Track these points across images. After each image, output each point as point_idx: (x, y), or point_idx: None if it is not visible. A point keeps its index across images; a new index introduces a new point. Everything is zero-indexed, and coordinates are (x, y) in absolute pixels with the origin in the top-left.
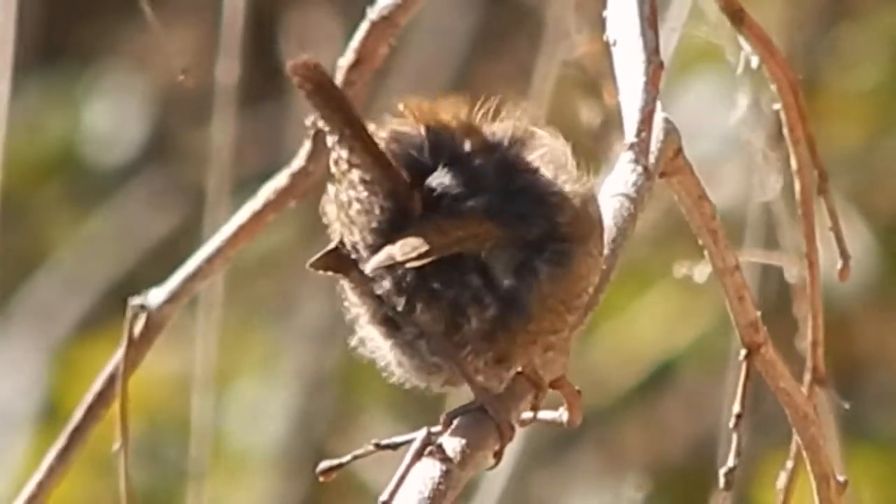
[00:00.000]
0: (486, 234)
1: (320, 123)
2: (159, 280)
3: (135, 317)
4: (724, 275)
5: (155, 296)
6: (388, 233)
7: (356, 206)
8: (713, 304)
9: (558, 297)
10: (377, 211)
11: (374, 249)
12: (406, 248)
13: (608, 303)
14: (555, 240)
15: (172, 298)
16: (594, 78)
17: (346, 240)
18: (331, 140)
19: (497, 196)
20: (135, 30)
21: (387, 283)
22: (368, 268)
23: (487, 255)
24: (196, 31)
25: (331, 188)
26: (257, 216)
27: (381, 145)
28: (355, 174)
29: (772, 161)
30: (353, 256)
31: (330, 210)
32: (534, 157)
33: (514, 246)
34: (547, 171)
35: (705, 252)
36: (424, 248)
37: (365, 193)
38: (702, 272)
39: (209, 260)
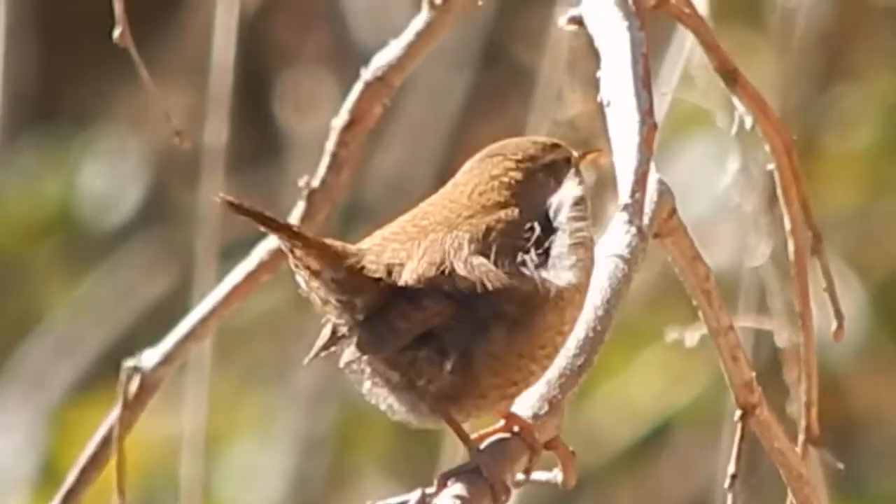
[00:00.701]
0: (442, 312)
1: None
2: (154, 342)
3: (129, 378)
4: (718, 335)
5: (149, 357)
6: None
7: (327, 302)
8: (708, 364)
9: (512, 353)
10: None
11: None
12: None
13: (603, 363)
14: (499, 317)
15: (166, 360)
16: (587, 137)
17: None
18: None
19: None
20: (130, 92)
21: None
22: (341, 363)
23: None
24: (190, 94)
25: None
26: (251, 276)
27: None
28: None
29: (764, 223)
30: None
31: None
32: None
33: (466, 321)
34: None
35: (699, 313)
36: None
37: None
38: (693, 335)
39: (203, 321)
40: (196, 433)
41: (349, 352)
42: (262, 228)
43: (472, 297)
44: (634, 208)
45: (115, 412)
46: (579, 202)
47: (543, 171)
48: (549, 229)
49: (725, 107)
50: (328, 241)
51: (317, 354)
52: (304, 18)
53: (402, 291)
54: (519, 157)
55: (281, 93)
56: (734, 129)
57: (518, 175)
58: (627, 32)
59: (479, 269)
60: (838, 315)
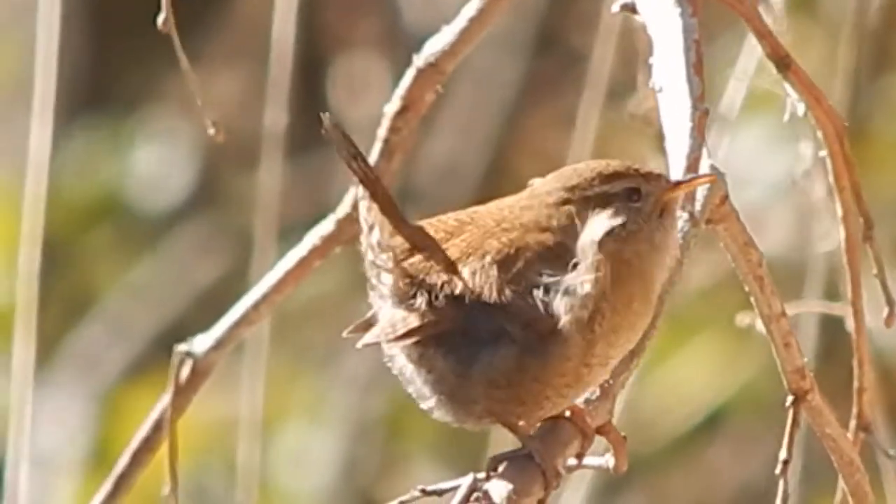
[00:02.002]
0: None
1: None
2: (206, 326)
3: (181, 363)
4: (770, 321)
5: (201, 342)
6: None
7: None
8: (760, 351)
9: (522, 375)
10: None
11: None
12: (388, 329)
13: (656, 350)
14: (504, 335)
15: (218, 345)
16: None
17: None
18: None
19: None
20: (183, 76)
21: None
22: (359, 344)
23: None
24: (244, 77)
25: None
26: (303, 262)
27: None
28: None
29: (822, 209)
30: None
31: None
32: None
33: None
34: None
35: (752, 299)
36: (404, 329)
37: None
38: (745, 319)
39: (255, 306)
40: (252, 417)
41: (370, 334)
42: (349, 165)
43: (479, 307)
44: (686, 194)
45: (166, 397)
46: (605, 242)
47: (597, 201)
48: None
49: (782, 90)
50: (396, 206)
51: (365, 340)
52: (357, 3)
53: (420, 285)
54: (573, 184)
55: (334, 78)
56: (787, 116)
57: (565, 204)
58: (680, 19)
59: (488, 281)
60: (889, 301)
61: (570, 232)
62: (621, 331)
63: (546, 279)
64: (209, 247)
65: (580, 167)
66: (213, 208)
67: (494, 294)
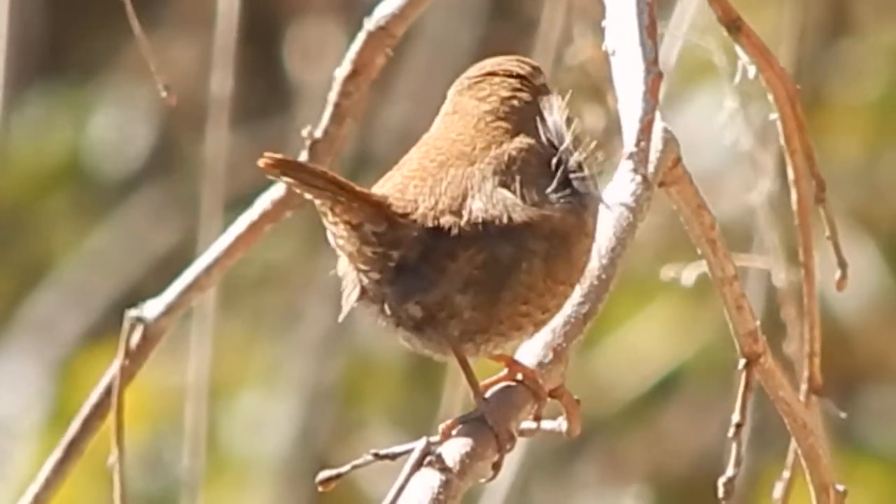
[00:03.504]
0: (474, 258)
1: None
2: (159, 292)
3: (132, 329)
4: (723, 284)
5: (151, 308)
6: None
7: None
8: (716, 314)
9: (550, 282)
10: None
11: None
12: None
13: (609, 313)
14: (533, 252)
15: (169, 310)
16: (597, 83)
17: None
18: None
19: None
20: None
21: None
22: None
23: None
24: (200, 43)
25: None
26: (254, 226)
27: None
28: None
29: (765, 167)
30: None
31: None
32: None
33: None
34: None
35: (704, 262)
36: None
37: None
38: (690, 275)
39: (206, 271)
40: (200, 383)
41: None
42: (305, 188)
43: (503, 234)
44: (639, 157)
45: (116, 362)
46: (572, 122)
47: (543, 91)
48: (557, 153)
49: (729, 58)
50: (367, 191)
51: (349, 310)
52: None
53: (435, 239)
54: (525, 73)
55: (289, 43)
56: (737, 79)
57: (526, 96)
58: None
59: (507, 205)
60: (841, 264)
61: (534, 126)
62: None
63: (551, 181)
64: (165, 213)
65: (502, 63)
66: (168, 175)
67: (517, 216)
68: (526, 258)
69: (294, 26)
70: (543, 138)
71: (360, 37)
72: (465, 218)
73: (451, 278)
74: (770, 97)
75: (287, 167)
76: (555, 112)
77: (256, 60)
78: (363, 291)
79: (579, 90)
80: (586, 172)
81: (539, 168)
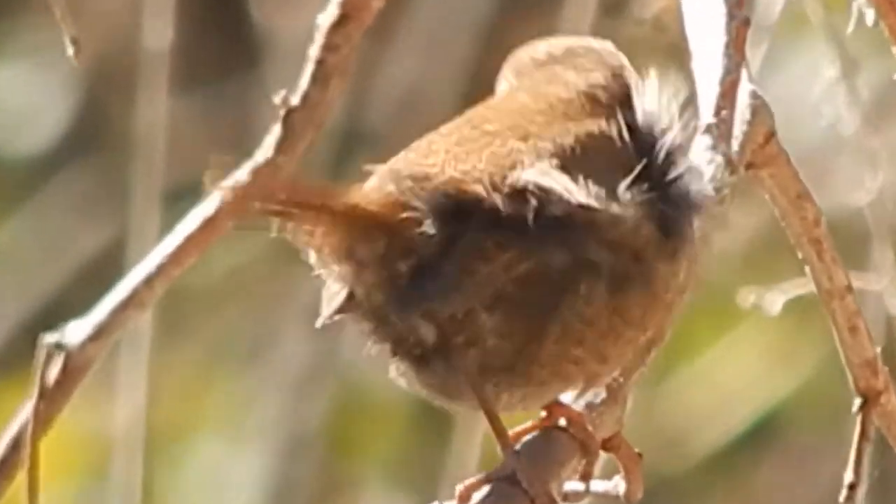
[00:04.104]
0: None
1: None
2: (85, 308)
3: (49, 358)
4: (831, 298)
5: (75, 331)
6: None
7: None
8: (822, 338)
9: (618, 317)
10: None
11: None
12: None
13: (683, 338)
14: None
15: (98, 334)
16: (676, 42)
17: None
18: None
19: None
20: None
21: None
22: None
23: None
24: None
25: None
26: (210, 223)
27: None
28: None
29: (881, 160)
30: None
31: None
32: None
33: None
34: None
35: (806, 269)
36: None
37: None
38: (776, 298)
39: (147, 282)
40: (135, 428)
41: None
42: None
43: (556, 234)
44: (720, 130)
45: (29, 403)
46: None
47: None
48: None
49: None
50: (354, 196)
51: (330, 317)
52: None
53: (461, 223)
54: (618, 68)
55: None
56: (850, 27)
57: (617, 90)
58: None
59: (566, 191)
60: None
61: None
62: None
63: (619, 175)
64: (92, 204)
65: (587, 49)
66: (96, 154)
67: (565, 203)
68: (586, 277)
69: None
70: (626, 133)
71: None
72: (507, 199)
73: (479, 286)
74: (895, 50)
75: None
76: (648, 98)
77: (212, 4)
78: (352, 296)
79: (653, 50)
80: (683, 167)
81: (614, 162)
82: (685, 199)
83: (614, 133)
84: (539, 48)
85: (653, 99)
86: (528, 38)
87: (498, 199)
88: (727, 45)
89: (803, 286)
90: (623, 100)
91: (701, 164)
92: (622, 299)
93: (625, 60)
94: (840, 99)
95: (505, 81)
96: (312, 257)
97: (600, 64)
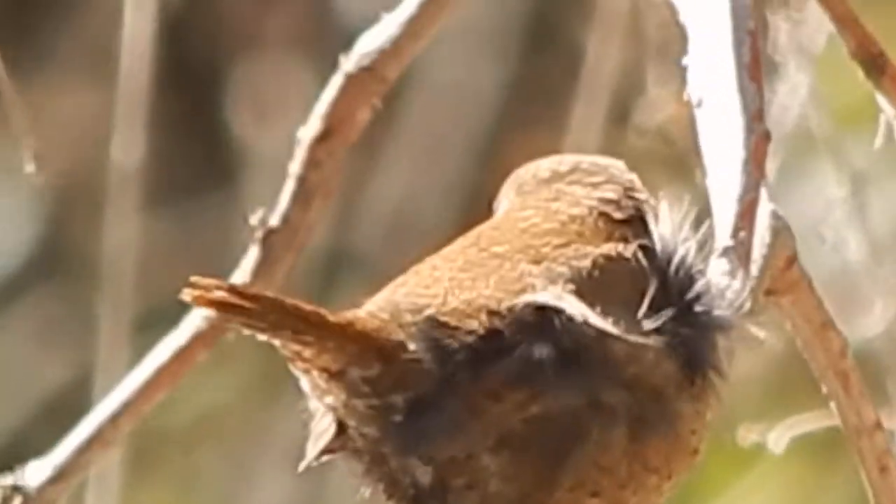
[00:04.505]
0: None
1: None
2: (45, 448)
3: (6, 502)
4: (859, 436)
5: (34, 472)
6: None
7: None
8: (849, 479)
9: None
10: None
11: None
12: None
13: (700, 478)
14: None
15: (60, 476)
16: (684, 153)
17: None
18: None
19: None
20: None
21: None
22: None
23: None
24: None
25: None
26: (183, 354)
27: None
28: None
29: None
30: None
31: None
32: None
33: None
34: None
35: (832, 404)
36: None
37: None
38: (782, 436)
39: (112, 419)
40: None
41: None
42: (252, 327)
43: (569, 370)
44: (738, 253)
45: None
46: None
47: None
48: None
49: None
50: (349, 316)
51: (318, 457)
52: None
53: (468, 357)
54: (630, 185)
55: (232, 90)
56: (879, 140)
57: (630, 208)
58: (727, 1)
59: (584, 320)
60: None
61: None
62: None
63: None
64: (56, 332)
65: (602, 166)
66: (61, 278)
67: (581, 336)
68: (602, 419)
69: (240, 66)
70: (643, 256)
71: (335, 82)
72: (514, 329)
73: (486, 427)
74: None
75: (222, 300)
76: (664, 223)
77: (185, 115)
78: (342, 431)
79: (655, 162)
80: (702, 288)
81: (632, 287)
82: (708, 323)
83: (630, 255)
84: (543, 165)
85: (667, 220)
86: (529, 154)
87: (505, 330)
88: (745, 162)
89: (810, 422)
90: (636, 218)
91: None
92: (643, 444)
93: (635, 177)
94: (846, 222)
95: (506, 200)
96: (304, 384)
97: (610, 180)
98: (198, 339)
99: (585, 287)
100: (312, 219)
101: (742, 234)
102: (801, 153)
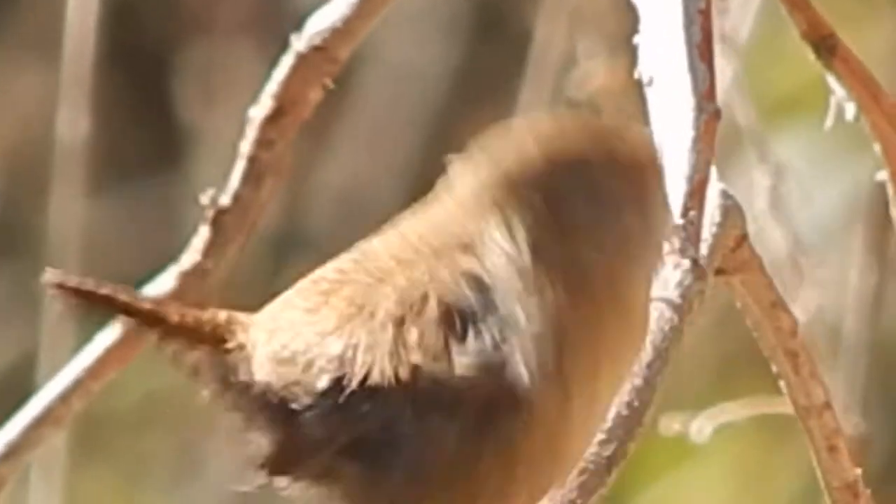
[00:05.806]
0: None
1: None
2: None
3: None
4: (808, 416)
5: None
6: None
7: None
8: (798, 459)
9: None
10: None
11: None
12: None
13: (646, 458)
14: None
15: (9, 454)
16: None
17: None
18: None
19: None
20: None
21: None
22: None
23: None
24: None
25: None
26: (133, 334)
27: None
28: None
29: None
30: None
31: None
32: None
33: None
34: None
35: (781, 384)
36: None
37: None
38: (705, 424)
39: (62, 398)
40: None
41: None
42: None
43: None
44: (687, 232)
45: None
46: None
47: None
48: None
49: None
50: (212, 314)
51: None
52: None
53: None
54: (510, 161)
55: (181, 70)
56: (829, 121)
57: (502, 195)
58: None
59: (382, 358)
60: None
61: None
62: (601, 373)
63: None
64: (0, 312)
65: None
66: (5, 258)
67: (401, 374)
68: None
69: (190, 45)
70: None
71: (286, 61)
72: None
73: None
74: (876, 148)
75: (80, 296)
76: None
77: (135, 94)
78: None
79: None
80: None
81: (464, 314)
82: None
83: (474, 272)
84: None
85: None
86: (478, 134)
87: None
88: (695, 141)
89: (734, 412)
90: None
91: (667, 269)
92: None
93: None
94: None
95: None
96: None
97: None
98: None
99: (419, 314)
100: (264, 198)
101: (692, 213)
102: (726, 143)
